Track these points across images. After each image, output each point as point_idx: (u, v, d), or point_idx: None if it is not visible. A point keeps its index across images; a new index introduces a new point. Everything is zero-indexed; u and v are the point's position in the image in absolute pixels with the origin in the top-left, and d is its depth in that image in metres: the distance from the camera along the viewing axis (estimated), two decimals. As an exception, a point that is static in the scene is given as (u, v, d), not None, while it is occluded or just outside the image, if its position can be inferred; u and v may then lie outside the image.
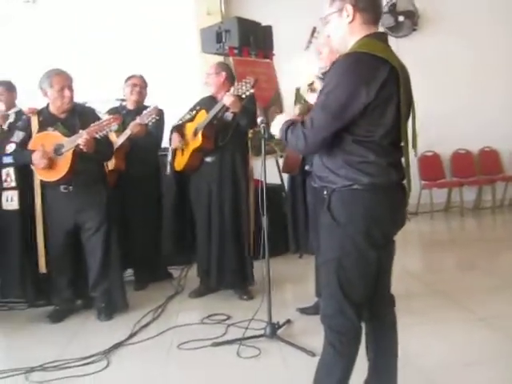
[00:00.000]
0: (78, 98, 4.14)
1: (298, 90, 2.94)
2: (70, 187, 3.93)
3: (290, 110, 2.77)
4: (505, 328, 3.47)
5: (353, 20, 2.11)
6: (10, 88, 4.74)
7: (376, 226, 2.09)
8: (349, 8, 2.11)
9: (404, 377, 2.38)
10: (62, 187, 3.94)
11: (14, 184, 4.25)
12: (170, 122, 4.62)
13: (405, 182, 2.17)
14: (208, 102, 4.39)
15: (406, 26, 7.79)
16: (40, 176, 3.95)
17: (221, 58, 5.61)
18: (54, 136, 3.88)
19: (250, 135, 4.54)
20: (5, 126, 4.57)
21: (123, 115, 4.68)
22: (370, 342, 2.31)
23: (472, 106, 7.60)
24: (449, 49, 7.62)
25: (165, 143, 4.84)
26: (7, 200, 4.25)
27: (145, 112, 4.43)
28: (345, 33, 2.14)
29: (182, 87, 6.47)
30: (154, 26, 6.91)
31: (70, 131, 3.84)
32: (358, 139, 2.05)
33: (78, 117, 3.90)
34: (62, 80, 3.88)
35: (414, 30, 7.83)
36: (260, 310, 3.52)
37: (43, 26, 6.82)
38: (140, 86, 4.82)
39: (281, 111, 4.12)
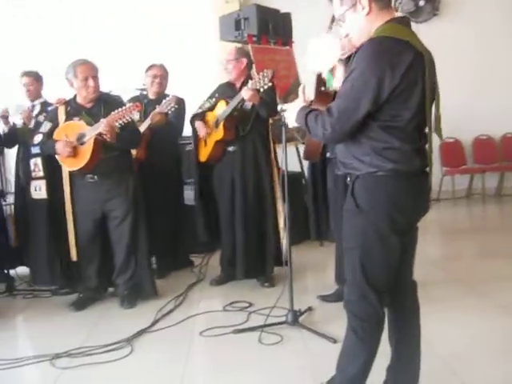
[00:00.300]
0: (102, 87, 4.16)
1: (319, 74, 2.89)
2: (95, 176, 3.97)
3: (311, 97, 2.73)
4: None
5: (370, 11, 2.09)
6: (37, 78, 4.82)
7: (399, 212, 2.09)
8: (363, 0, 2.09)
9: (423, 364, 2.37)
10: (88, 176, 3.97)
11: (41, 174, 4.34)
12: (189, 110, 4.63)
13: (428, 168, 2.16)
14: (226, 90, 4.38)
15: (426, 10, 7.70)
16: (64, 165, 4.00)
17: (238, 46, 5.60)
18: (77, 125, 3.92)
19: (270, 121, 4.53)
20: (31, 125, 4.65)
21: (144, 104, 4.72)
22: (392, 329, 2.31)
23: (494, 91, 7.51)
24: (470, 34, 7.52)
25: (186, 132, 4.86)
26: (35, 189, 4.34)
27: (164, 101, 4.44)
28: (363, 26, 2.11)
29: (201, 75, 6.49)
30: (173, 14, 6.92)
31: (94, 120, 3.85)
32: (383, 125, 2.03)
33: (103, 106, 3.91)
34: (86, 70, 3.90)
35: (435, 14, 7.73)
36: (281, 298, 3.54)
37: (70, 15, 6.86)
38: (160, 76, 4.80)
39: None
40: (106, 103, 3.94)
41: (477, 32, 7.52)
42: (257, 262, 4.37)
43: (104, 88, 4.19)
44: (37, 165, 4.38)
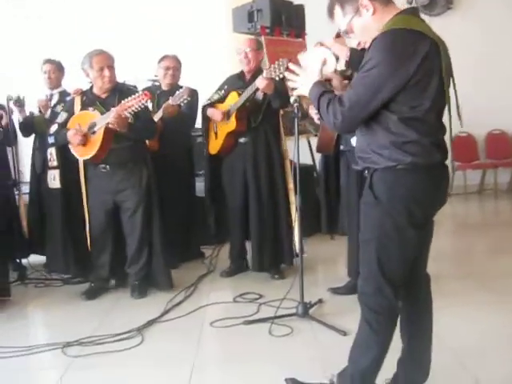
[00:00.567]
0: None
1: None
2: (108, 166, 3.98)
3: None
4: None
5: (374, 10, 2.08)
6: (59, 67, 4.85)
7: (417, 206, 2.08)
8: (365, 2, 2.07)
9: (434, 358, 2.37)
10: (100, 166, 3.99)
11: (56, 163, 4.37)
12: (202, 102, 4.62)
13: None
14: (236, 82, 4.36)
15: (440, 3, 7.63)
16: (75, 154, 4.02)
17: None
18: (90, 115, 3.93)
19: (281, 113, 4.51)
20: (47, 115, 4.67)
21: (157, 96, 4.72)
22: (405, 322, 2.30)
23: (508, 86, 7.43)
24: (485, 28, 7.43)
25: (198, 123, 4.86)
26: (51, 179, 4.37)
27: (177, 93, 4.44)
28: (373, 27, 2.09)
29: (213, 67, 6.47)
30: (187, 5, 6.91)
31: (108, 110, 3.85)
32: (402, 117, 2.02)
33: (118, 96, 3.90)
34: (101, 60, 3.90)
35: (449, 8, 7.66)
36: (291, 290, 3.54)
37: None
38: (173, 68, 4.78)
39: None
40: (121, 93, 3.93)
41: (491, 26, 7.44)
42: (271, 254, 4.34)
43: (118, 79, 4.20)
44: (52, 154, 4.42)
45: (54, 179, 4.41)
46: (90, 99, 4.03)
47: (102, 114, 3.87)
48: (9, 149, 5.00)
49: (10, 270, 4.54)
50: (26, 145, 5.69)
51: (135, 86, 4.65)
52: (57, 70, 4.83)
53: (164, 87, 4.84)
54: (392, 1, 2.13)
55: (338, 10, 2.16)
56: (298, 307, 3.50)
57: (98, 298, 4.15)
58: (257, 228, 4.32)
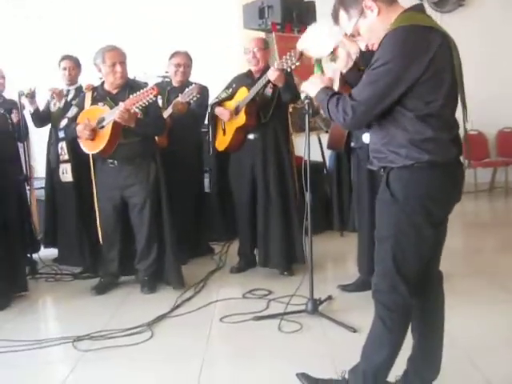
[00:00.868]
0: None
1: (318, 60, 2.80)
2: (116, 161, 4.00)
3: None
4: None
5: (379, 10, 2.07)
6: (78, 64, 4.87)
7: (435, 204, 2.07)
8: (369, 3, 2.06)
9: (445, 356, 2.36)
10: (108, 161, 4.01)
11: (67, 157, 4.39)
12: (212, 98, 4.62)
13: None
14: (244, 80, 4.34)
15: (451, 0, 7.58)
16: (84, 148, 4.04)
17: (262, 34, 5.59)
18: (99, 110, 3.95)
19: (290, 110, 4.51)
20: (61, 104, 4.70)
21: (168, 92, 4.73)
22: (417, 319, 2.29)
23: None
24: (497, 26, 7.38)
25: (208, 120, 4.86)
26: (63, 172, 4.40)
27: (186, 90, 4.43)
28: (379, 27, 2.08)
29: (224, 63, 6.47)
30: (197, 1, 6.91)
31: (117, 105, 3.86)
32: (418, 114, 2.01)
33: (128, 92, 3.91)
34: (114, 56, 3.92)
35: (461, 5, 7.59)
36: (301, 286, 3.55)
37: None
38: (184, 65, 4.78)
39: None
40: (131, 89, 3.94)
41: (502, 23, 7.40)
42: (280, 252, 4.31)
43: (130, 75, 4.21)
44: (63, 148, 4.45)
45: (65, 172, 4.44)
46: (100, 95, 4.05)
47: (112, 108, 3.89)
48: (20, 144, 5.04)
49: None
50: (36, 140, 5.73)
51: (146, 83, 4.66)
52: (76, 67, 4.85)
53: (175, 84, 4.84)
54: (396, 0, 2.13)
55: (342, 14, 2.15)
56: (307, 304, 3.50)
57: (108, 292, 4.18)
58: (264, 224, 4.32)
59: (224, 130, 4.40)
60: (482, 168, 7.57)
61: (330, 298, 3.77)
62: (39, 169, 5.86)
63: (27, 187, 4.89)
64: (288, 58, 3.77)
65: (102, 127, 3.88)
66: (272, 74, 3.89)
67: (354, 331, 3.20)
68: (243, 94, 4.21)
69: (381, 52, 2.01)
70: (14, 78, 5.00)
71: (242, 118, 4.19)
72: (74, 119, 4.09)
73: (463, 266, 4.42)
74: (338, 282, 4.02)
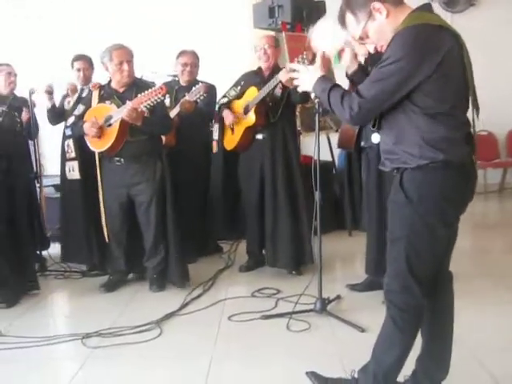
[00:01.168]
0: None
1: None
2: (122, 160, 4.01)
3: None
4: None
5: (388, 12, 2.07)
6: (91, 64, 4.88)
7: (449, 205, 2.07)
8: (377, 6, 2.06)
9: (453, 357, 2.35)
10: (115, 159, 4.02)
11: (73, 155, 4.41)
12: (219, 96, 4.62)
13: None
14: (253, 78, 4.35)
15: (462, 0, 7.55)
16: (91, 146, 4.05)
17: (272, 34, 5.58)
18: (106, 108, 3.97)
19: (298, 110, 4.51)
20: (73, 99, 4.72)
21: (175, 91, 4.74)
22: (427, 319, 2.27)
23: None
24: (508, 26, 7.34)
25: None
26: (69, 170, 4.41)
27: (193, 89, 4.44)
28: (387, 29, 2.08)
29: (234, 62, 6.47)
30: (207, 0, 6.92)
31: (124, 104, 3.88)
32: (430, 113, 2.01)
33: (135, 90, 3.93)
34: (121, 54, 3.93)
35: (472, 5, 7.56)
36: (309, 286, 3.55)
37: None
38: (191, 64, 4.79)
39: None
40: (138, 88, 3.96)
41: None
42: (289, 252, 4.30)
43: (137, 73, 4.22)
44: (69, 146, 4.46)
45: (72, 170, 4.45)
46: (107, 93, 4.07)
47: (119, 107, 3.90)
48: (30, 142, 5.07)
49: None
50: (46, 138, 5.77)
51: (153, 83, 4.66)
52: (90, 67, 4.86)
53: (182, 83, 4.85)
54: (403, 0, 2.12)
55: (350, 17, 2.15)
56: (316, 303, 3.51)
57: (117, 290, 4.19)
58: (272, 224, 4.31)
59: (232, 130, 4.40)
60: (492, 169, 7.54)
61: (338, 297, 3.78)
62: (48, 167, 5.91)
63: (37, 185, 4.91)
64: (300, 60, 3.75)
65: (110, 125, 3.90)
66: (284, 76, 3.87)
67: (363, 331, 3.20)
68: (253, 94, 4.21)
69: (391, 50, 2.01)
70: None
71: (251, 118, 4.19)
72: (80, 117, 4.10)
73: (471, 267, 4.41)
74: (347, 282, 4.02)
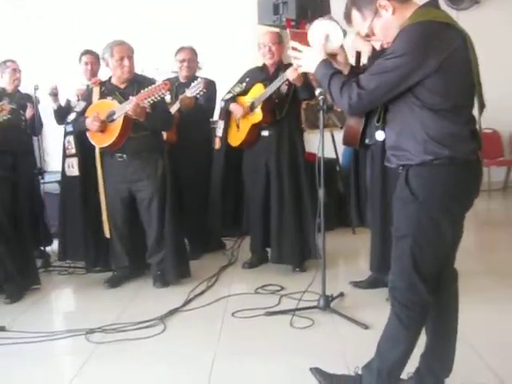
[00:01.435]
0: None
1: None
2: (124, 155, 4.01)
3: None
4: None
5: (394, 9, 2.06)
6: (98, 59, 4.88)
7: (455, 201, 2.07)
8: (383, 2, 2.06)
9: (457, 354, 2.35)
10: (117, 155, 4.03)
11: (74, 151, 4.40)
12: (222, 94, 4.60)
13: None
14: (258, 74, 4.34)
15: (468, -2, 7.52)
16: (93, 141, 4.05)
17: (277, 31, 5.57)
18: (109, 104, 3.97)
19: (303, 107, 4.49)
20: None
21: (176, 87, 4.74)
22: (430, 317, 2.27)
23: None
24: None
25: (217, 115, 4.85)
26: (68, 167, 4.40)
27: (192, 85, 4.43)
28: (393, 26, 2.08)
29: (238, 59, 6.47)
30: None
31: (126, 100, 3.88)
32: (436, 109, 2.00)
33: (137, 87, 3.94)
34: (122, 50, 3.94)
35: (477, 2, 7.54)
36: (313, 283, 3.55)
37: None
38: (188, 60, 4.79)
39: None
40: (139, 84, 3.97)
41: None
42: (293, 249, 4.29)
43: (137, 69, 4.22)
44: (70, 142, 4.44)
45: (71, 167, 4.43)
46: (109, 89, 4.07)
47: (121, 103, 3.91)
48: (34, 138, 5.08)
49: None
50: (50, 134, 5.78)
51: (154, 79, 4.65)
52: (97, 62, 4.87)
53: (181, 79, 4.85)
54: None
55: (356, 14, 2.15)
56: (319, 300, 3.50)
57: (121, 286, 4.20)
58: (277, 221, 4.30)
59: (238, 126, 4.39)
60: (496, 167, 7.52)
61: (341, 294, 3.77)
62: (52, 163, 5.92)
63: (41, 181, 4.92)
64: None
65: (112, 121, 3.90)
66: (291, 74, 3.85)
67: (366, 328, 3.20)
68: (259, 91, 4.19)
69: (396, 45, 2.01)
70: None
71: (258, 115, 4.18)
72: (81, 113, 4.10)
73: (475, 264, 4.39)
74: (350, 279, 4.02)
